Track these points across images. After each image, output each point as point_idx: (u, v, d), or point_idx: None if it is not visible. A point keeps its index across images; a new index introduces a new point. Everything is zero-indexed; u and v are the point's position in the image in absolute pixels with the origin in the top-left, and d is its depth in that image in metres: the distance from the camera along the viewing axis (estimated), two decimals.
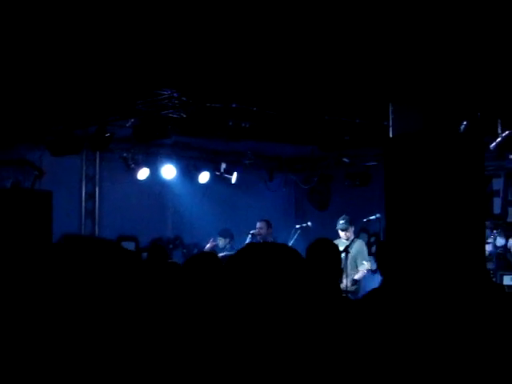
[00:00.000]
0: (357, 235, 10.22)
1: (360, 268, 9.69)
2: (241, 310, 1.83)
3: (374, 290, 4.43)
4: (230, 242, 10.76)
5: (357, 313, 3.73)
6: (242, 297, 1.84)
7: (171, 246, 11.84)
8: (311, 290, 1.94)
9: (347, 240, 9.75)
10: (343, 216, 10.06)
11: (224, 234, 10.86)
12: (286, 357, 1.82)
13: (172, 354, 1.93)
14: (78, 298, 1.76)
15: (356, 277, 9.60)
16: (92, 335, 1.74)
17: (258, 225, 10.54)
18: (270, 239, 10.24)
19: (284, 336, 1.83)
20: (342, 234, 9.97)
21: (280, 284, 1.86)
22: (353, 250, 9.48)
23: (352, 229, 10.05)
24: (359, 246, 9.85)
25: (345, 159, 11.68)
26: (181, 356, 1.93)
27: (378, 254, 4.92)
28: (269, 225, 10.58)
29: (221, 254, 9.59)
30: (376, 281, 9.52)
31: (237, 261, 1.93)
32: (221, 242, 10.80)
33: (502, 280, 9.95)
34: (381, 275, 4.73)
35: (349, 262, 9.03)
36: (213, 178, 11.66)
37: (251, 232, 10.42)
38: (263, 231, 10.45)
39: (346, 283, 8.72)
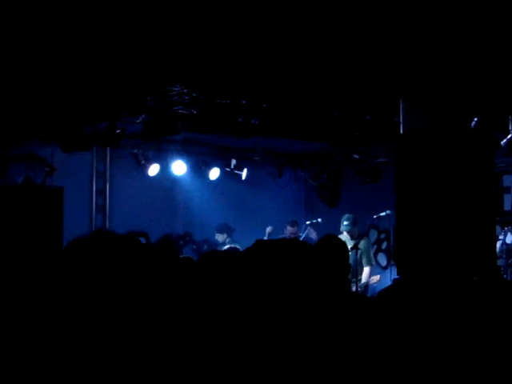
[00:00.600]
0: (367, 232, 10.18)
1: (364, 274, 9.62)
2: (252, 304, 1.84)
3: (390, 286, 4.43)
4: (229, 236, 10.72)
5: (372, 308, 3.74)
6: (253, 292, 1.85)
7: (181, 242, 11.84)
8: (321, 284, 1.95)
9: (352, 239, 9.67)
10: (347, 216, 9.95)
11: (221, 229, 10.76)
12: (295, 351, 1.83)
13: (184, 347, 1.94)
14: (89, 293, 1.78)
15: (364, 280, 9.54)
16: (103, 329, 1.76)
17: (291, 229, 10.62)
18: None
19: (294, 330, 1.83)
20: (346, 233, 9.90)
21: (291, 279, 1.87)
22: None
23: (356, 228, 10.01)
24: (365, 244, 9.80)
25: (355, 156, 11.66)
26: (192, 350, 1.94)
27: (395, 254, 4.95)
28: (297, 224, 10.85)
29: (225, 247, 9.54)
30: (386, 277, 9.51)
31: (248, 257, 1.94)
32: (220, 237, 10.74)
33: None
34: (397, 274, 4.75)
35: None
36: (223, 174, 11.67)
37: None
38: (295, 231, 10.65)
39: (355, 287, 8.64)
